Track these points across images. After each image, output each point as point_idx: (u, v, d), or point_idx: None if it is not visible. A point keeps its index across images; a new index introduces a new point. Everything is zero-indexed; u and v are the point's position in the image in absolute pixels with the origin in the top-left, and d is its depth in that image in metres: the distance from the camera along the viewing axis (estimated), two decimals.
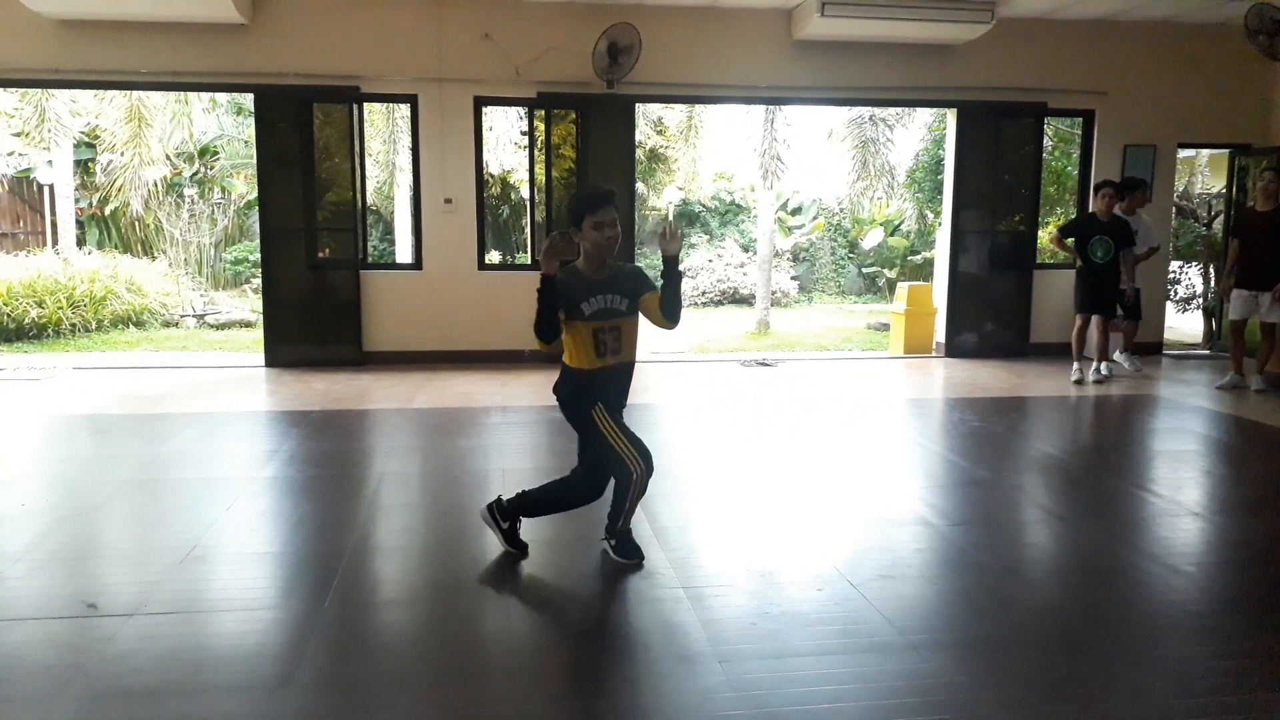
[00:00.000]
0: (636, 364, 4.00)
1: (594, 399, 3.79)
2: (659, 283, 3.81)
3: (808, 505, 4.81)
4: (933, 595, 3.66)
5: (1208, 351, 10.66)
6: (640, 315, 3.89)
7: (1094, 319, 8.51)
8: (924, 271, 18.05)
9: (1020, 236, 10.16)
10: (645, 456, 3.80)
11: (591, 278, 3.76)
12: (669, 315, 3.80)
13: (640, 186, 20.14)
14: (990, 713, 2.72)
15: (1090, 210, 8.69)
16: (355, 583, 3.74)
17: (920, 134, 17.15)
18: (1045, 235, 11.28)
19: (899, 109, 15.26)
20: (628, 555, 3.93)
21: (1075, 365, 8.59)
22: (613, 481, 3.95)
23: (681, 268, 3.90)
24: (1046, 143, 12.37)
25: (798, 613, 3.42)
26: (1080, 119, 10.26)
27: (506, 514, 4.04)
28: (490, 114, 15.17)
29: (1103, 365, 8.60)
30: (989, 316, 10.13)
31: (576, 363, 3.80)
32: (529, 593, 3.71)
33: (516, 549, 4.02)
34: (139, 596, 3.52)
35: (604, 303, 3.75)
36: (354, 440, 6.42)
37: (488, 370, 8.70)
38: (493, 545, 4.10)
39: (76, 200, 16.75)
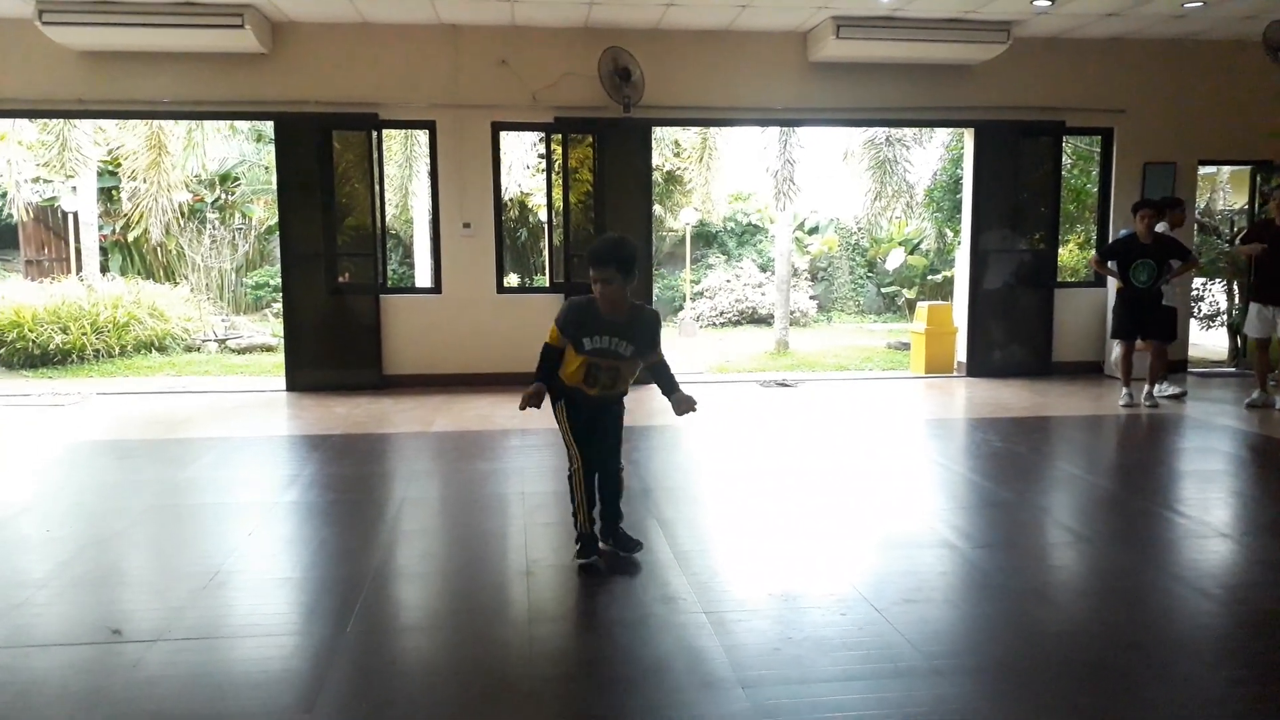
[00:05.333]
0: (628, 394, 4.25)
1: (562, 397, 4.08)
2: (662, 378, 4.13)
3: (829, 527, 4.78)
4: (957, 619, 3.62)
5: (1233, 369, 10.54)
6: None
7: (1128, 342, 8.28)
8: (944, 290, 17.98)
9: (1041, 255, 10.10)
10: (587, 459, 4.09)
11: (606, 316, 3.93)
12: (654, 373, 4.15)
13: (657, 209, 20.22)
14: None
15: (1129, 231, 8.42)
16: (377, 608, 3.74)
17: (938, 153, 17.13)
18: (1066, 253, 11.26)
19: (916, 129, 15.27)
20: (583, 555, 4.13)
21: (1125, 390, 8.23)
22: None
23: (673, 376, 4.17)
24: (1066, 160, 12.31)
25: (821, 637, 3.39)
26: (1099, 137, 10.22)
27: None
28: (507, 138, 15.30)
29: (1156, 388, 8.31)
30: (1010, 335, 10.06)
31: (564, 372, 4.03)
32: (550, 618, 3.69)
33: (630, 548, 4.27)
34: (162, 622, 3.53)
35: (606, 344, 3.94)
36: (374, 464, 6.44)
37: (506, 392, 8.69)
38: (515, 571, 4.10)
39: (100, 227, 16.98)
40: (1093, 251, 9.71)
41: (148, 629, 3.48)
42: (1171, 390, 8.53)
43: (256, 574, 4.13)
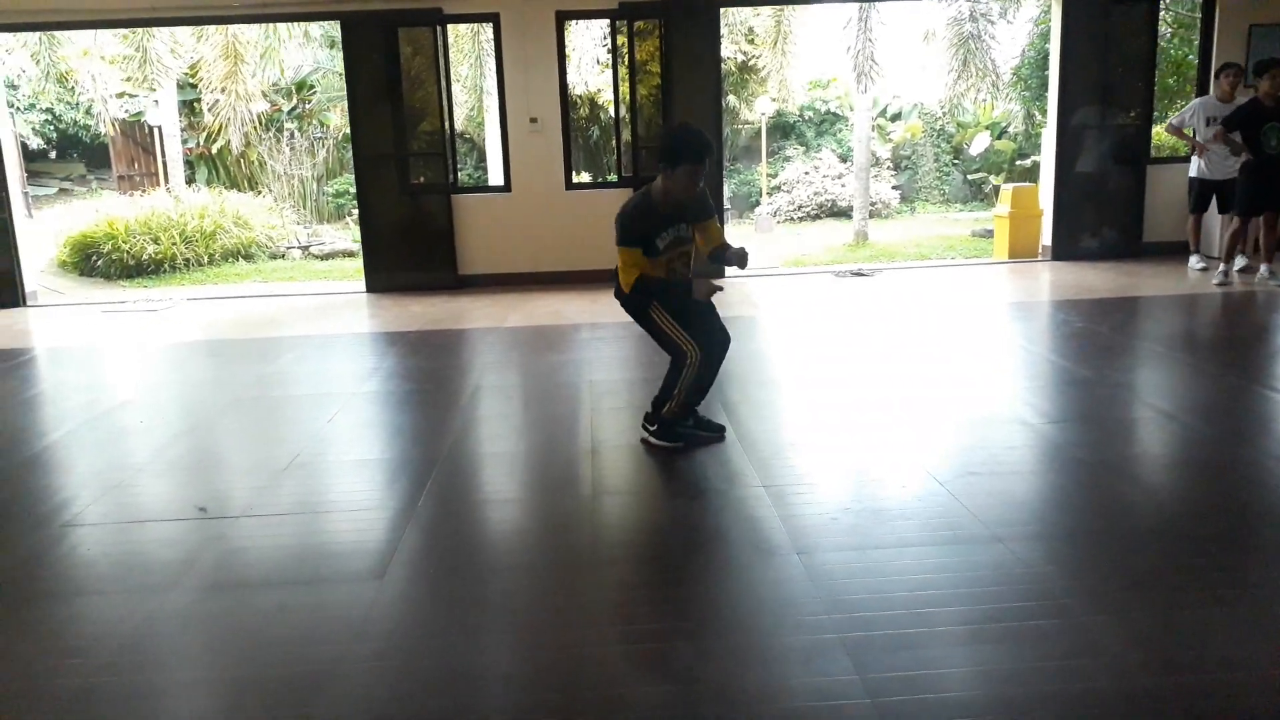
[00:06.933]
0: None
1: (650, 300, 3.97)
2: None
3: (896, 408, 4.73)
4: (1024, 491, 3.57)
5: None
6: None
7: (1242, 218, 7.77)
8: (1033, 176, 17.20)
9: (1133, 131, 9.55)
10: (703, 345, 3.97)
11: (664, 211, 3.90)
12: (714, 258, 4.09)
13: (731, 99, 19.71)
14: (1073, 601, 2.66)
15: (1254, 97, 7.74)
16: (448, 485, 3.86)
17: (1025, 28, 16.24)
18: (1161, 129, 10.54)
19: (1002, 1, 14.46)
20: (668, 439, 4.10)
21: (1223, 268, 7.81)
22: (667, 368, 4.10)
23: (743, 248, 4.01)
24: (1164, 29, 11.52)
25: (879, 508, 3.40)
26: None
27: (668, 426, 4.12)
28: (573, 30, 15.01)
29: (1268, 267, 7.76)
30: (1098, 216, 9.61)
31: (645, 271, 3.92)
32: (613, 492, 3.77)
33: (715, 431, 4.22)
34: (246, 501, 3.72)
35: (675, 233, 3.95)
36: (449, 357, 6.58)
37: (577, 289, 8.75)
38: (581, 450, 4.18)
39: (184, 140, 17.37)
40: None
41: (232, 506, 3.68)
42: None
43: (335, 456, 4.31)
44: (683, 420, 4.15)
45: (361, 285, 9.65)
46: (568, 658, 2.51)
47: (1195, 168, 8.39)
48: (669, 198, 3.86)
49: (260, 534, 3.41)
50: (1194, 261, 8.53)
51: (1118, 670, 2.32)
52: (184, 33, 15.12)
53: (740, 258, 3.94)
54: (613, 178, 11.08)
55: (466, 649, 2.57)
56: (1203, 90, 9.45)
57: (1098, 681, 2.28)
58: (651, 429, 4.15)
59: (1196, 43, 10.50)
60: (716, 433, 4.22)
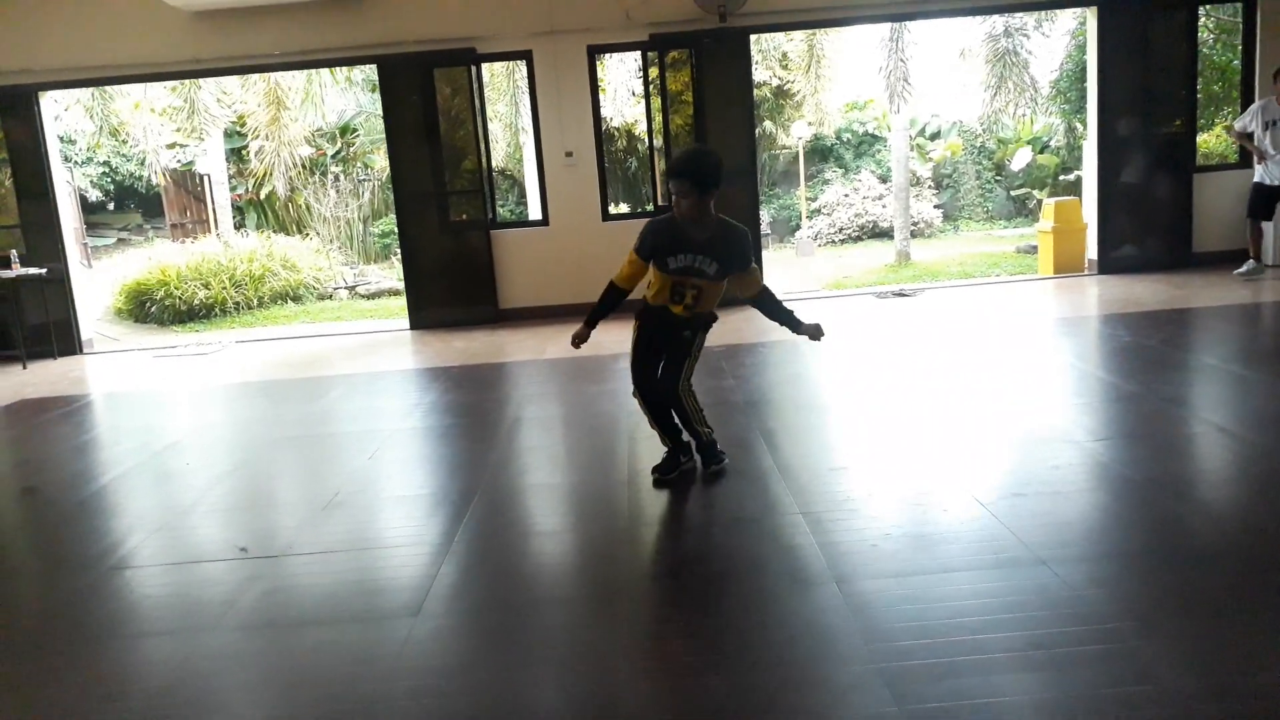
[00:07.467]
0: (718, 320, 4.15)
1: (638, 318, 4.07)
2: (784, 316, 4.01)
3: (938, 430, 4.64)
4: (1070, 512, 3.47)
5: None
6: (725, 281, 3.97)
7: None
8: (1078, 190, 16.97)
9: (1178, 139, 9.37)
10: (639, 384, 4.09)
11: (689, 233, 3.84)
12: (763, 310, 4.06)
13: (768, 125, 19.72)
14: (1121, 625, 2.57)
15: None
16: (485, 518, 3.85)
17: (1063, 41, 16.06)
18: (1212, 138, 10.38)
19: (1036, 15, 14.33)
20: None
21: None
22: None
23: (788, 309, 4.05)
24: (1206, 35, 11.31)
25: (920, 534, 3.32)
26: (1240, 3, 9.32)
27: (707, 449, 4.18)
28: (607, 62, 15.14)
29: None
30: (1145, 228, 9.42)
31: (649, 292, 4.02)
32: (650, 522, 3.74)
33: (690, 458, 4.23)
34: (286, 539, 3.76)
35: (690, 261, 3.86)
36: (489, 391, 6.61)
37: (615, 319, 8.72)
38: (618, 481, 4.17)
39: (233, 187, 17.82)
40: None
41: (272, 546, 3.71)
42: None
43: (374, 493, 4.34)
44: (666, 459, 4.13)
45: (406, 323, 9.77)
46: (601, 692, 2.48)
47: (1257, 173, 8.29)
48: (687, 218, 3.81)
49: (299, 572, 3.43)
50: (1245, 266, 8.33)
51: (1170, 699, 2.23)
52: (230, 82, 15.55)
53: (814, 333, 3.99)
54: (650, 208, 11.13)
55: (499, 684, 2.55)
56: (1246, 96, 9.27)
57: (1149, 711, 2.19)
58: (669, 476, 4.09)
59: (1239, 48, 10.30)
60: (689, 460, 4.21)
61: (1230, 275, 8.37)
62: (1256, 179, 8.32)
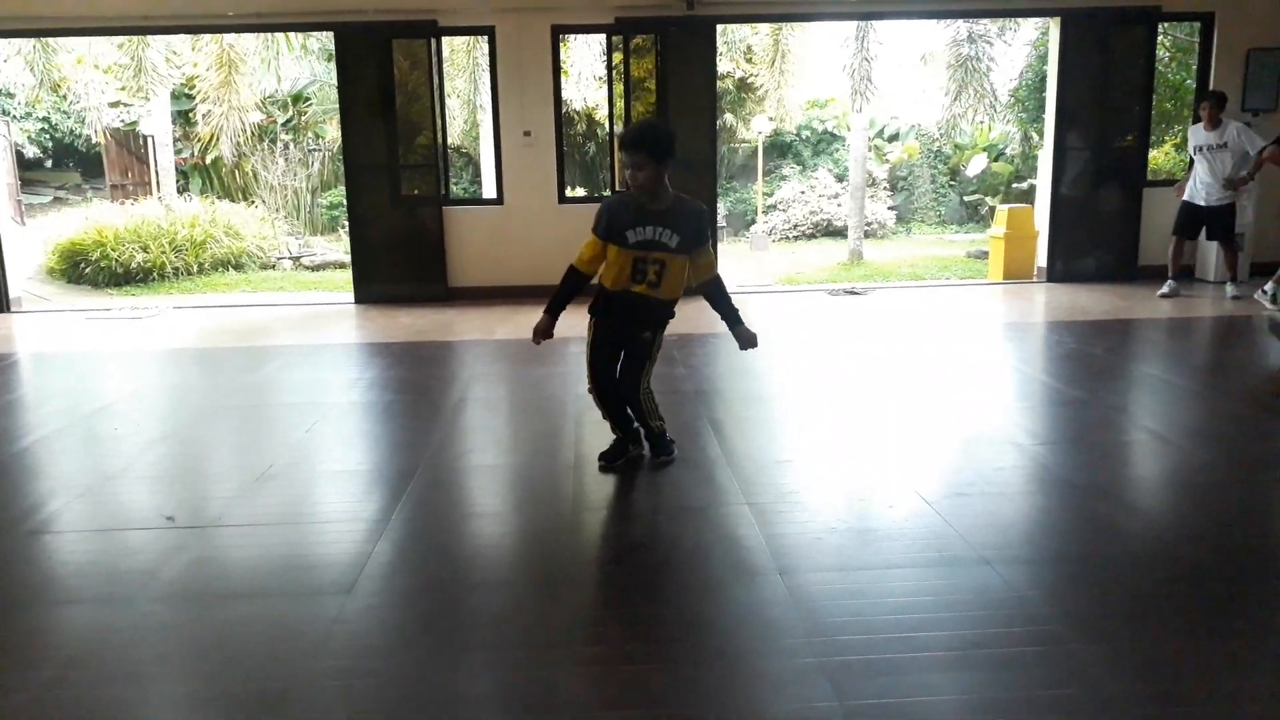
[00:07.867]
0: (677, 304, 3.97)
1: (596, 314, 3.93)
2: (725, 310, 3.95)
3: (884, 426, 4.65)
4: (1013, 513, 3.48)
5: None
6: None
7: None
8: (1030, 198, 17.22)
9: (1130, 154, 9.52)
10: (596, 379, 3.96)
11: (647, 206, 3.72)
12: (711, 298, 3.96)
13: (729, 118, 19.70)
14: (1060, 627, 2.57)
15: None
16: (424, 498, 3.76)
17: (1023, 51, 16.27)
18: (1161, 155, 10.57)
19: (1000, 23, 14.49)
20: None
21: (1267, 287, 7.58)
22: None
23: (734, 306, 4.00)
24: (1162, 54, 11.52)
25: (865, 529, 3.31)
26: (1199, 23, 9.49)
27: (656, 439, 4.10)
28: (572, 46, 14.98)
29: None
30: (1094, 239, 9.56)
31: (608, 276, 3.84)
32: (593, 508, 3.68)
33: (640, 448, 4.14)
34: (216, 510, 3.62)
35: (651, 234, 3.73)
36: (434, 368, 6.49)
37: (570, 302, 8.63)
38: (563, 465, 4.09)
39: (178, 150, 17.32)
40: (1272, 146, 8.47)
41: (200, 517, 3.57)
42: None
43: (310, 467, 4.21)
44: (614, 446, 4.06)
45: (351, 296, 9.57)
46: (537, 680, 2.41)
47: (1186, 190, 8.44)
48: (641, 191, 3.70)
49: (227, 545, 3.31)
50: (1165, 287, 8.43)
51: (1106, 701, 2.23)
52: (180, 42, 15.09)
53: (748, 340, 3.92)
54: (607, 193, 11.04)
55: (431, 668, 2.47)
56: (1198, 115, 9.42)
57: (1085, 713, 2.19)
58: (615, 463, 4.03)
59: (1194, 67, 10.50)
60: (638, 449, 4.13)
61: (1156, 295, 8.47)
62: (1186, 196, 8.45)
